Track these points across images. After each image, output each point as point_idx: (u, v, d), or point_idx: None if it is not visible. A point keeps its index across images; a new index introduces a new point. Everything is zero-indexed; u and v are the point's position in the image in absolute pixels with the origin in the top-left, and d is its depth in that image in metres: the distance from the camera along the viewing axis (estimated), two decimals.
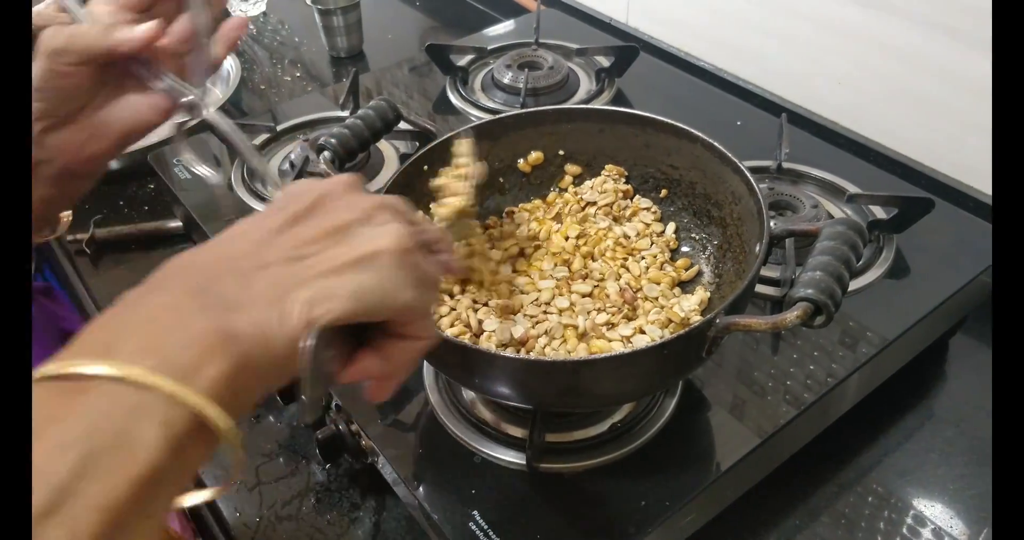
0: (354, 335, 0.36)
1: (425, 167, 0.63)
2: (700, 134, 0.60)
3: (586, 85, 0.97)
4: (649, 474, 0.55)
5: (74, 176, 0.51)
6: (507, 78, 0.95)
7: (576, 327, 0.56)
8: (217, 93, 1.06)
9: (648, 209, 0.67)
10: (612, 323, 0.56)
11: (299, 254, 0.34)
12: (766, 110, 0.91)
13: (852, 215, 0.76)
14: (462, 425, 0.59)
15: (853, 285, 0.69)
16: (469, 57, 1.02)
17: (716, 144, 0.59)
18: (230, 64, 1.11)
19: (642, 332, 0.55)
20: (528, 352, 0.55)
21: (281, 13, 1.36)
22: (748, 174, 0.56)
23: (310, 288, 0.32)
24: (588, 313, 0.57)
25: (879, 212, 0.75)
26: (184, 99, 0.50)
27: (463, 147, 0.60)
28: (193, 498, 0.34)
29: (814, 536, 0.60)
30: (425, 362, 0.63)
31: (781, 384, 0.61)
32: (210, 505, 0.66)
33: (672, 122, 0.62)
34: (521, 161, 0.69)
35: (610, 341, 0.55)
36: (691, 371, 0.60)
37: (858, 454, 0.66)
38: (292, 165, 0.84)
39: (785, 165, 0.80)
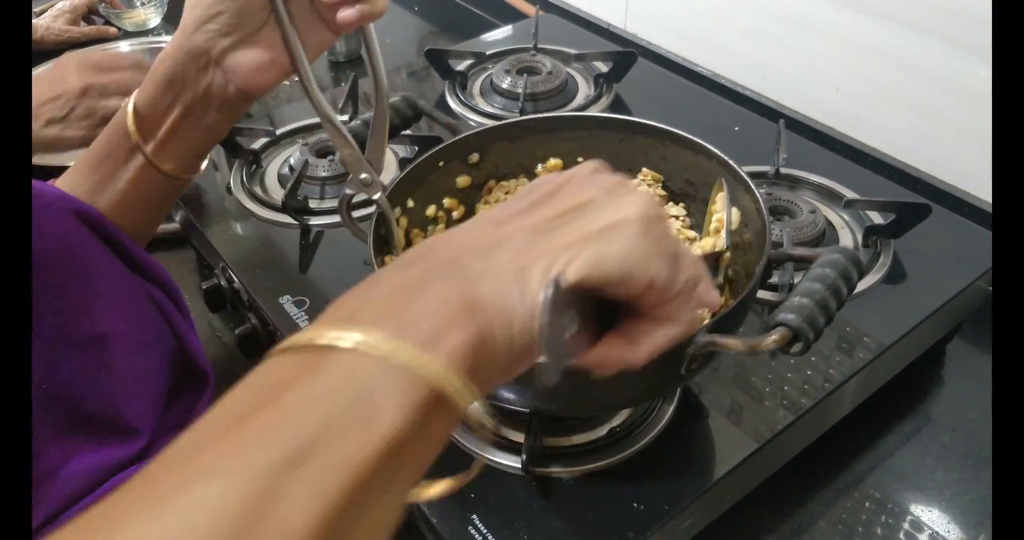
0: (603, 319, 0.35)
1: (440, 163, 0.63)
2: (717, 151, 0.59)
3: (584, 90, 0.98)
4: (647, 479, 0.55)
5: (243, 100, 0.54)
6: (506, 83, 0.95)
7: None
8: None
9: (679, 217, 0.66)
10: None
11: (541, 230, 0.33)
12: (764, 116, 0.91)
13: (848, 219, 0.76)
14: (461, 429, 0.59)
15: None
16: (468, 62, 1.02)
17: (731, 162, 0.58)
18: None
19: None
20: None
21: None
22: (759, 195, 0.55)
23: (551, 259, 0.32)
24: None
25: (876, 217, 0.75)
26: (363, 176, 0.56)
27: (718, 193, 0.58)
28: (429, 491, 0.34)
29: None
30: None
31: (778, 389, 0.61)
32: None
33: (690, 137, 0.61)
34: (540, 167, 0.68)
35: None
36: (673, 386, 0.59)
37: (855, 459, 0.66)
38: (291, 169, 0.84)
39: (783, 171, 0.80)
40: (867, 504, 0.62)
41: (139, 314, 0.50)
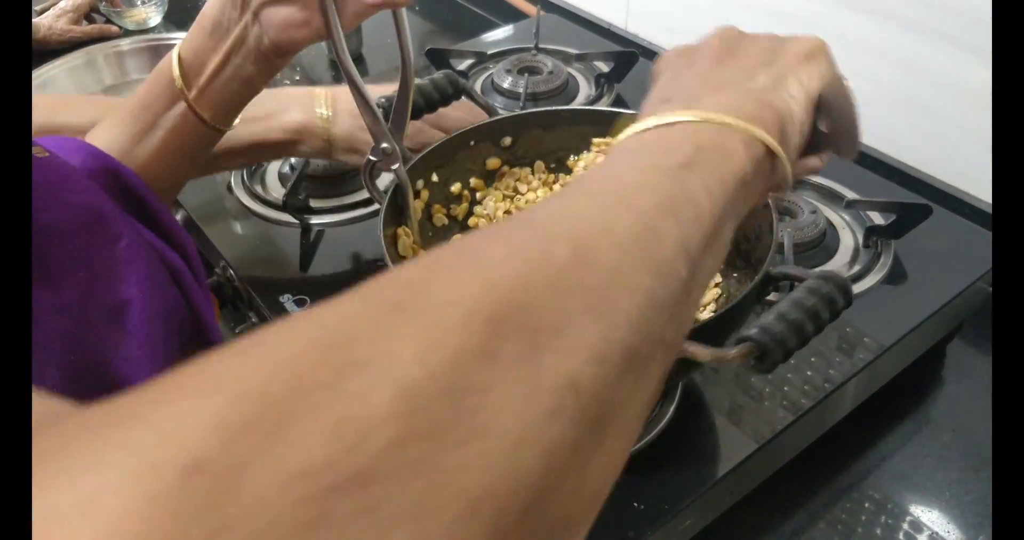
0: None
1: (472, 142, 0.64)
2: None
3: (585, 90, 0.98)
4: (647, 478, 0.55)
5: (278, 55, 0.57)
6: (507, 83, 0.95)
7: None
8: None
9: None
10: None
11: (761, 62, 0.41)
12: None
13: (849, 220, 0.76)
14: None
15: (854, 290, 0.69)
16: (469, 61, 1.02)
17: None
18: None
19: None
20: None
21: None
22: (774, 211, 0.55)
23: (795, 75, 0.40)
24: None
25: (877, 218, 0.75)
26: (384, 145, 0.58)
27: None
28: None
29: None
30: None
31: (779, 390, 0.61)
32: None
33: None
34: (572, 158, 0.68)
35: None
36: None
37: (855, 459, 0.66)
38: (292, 168, 0.83)
39: None
40: (867, 504, 0.63)
41: (155, 282, 0.51)
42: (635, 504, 0.53)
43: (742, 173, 0.33)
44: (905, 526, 0.61)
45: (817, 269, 0.45)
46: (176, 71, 0.57)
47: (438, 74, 0.69)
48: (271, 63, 0.58)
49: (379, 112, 0.58)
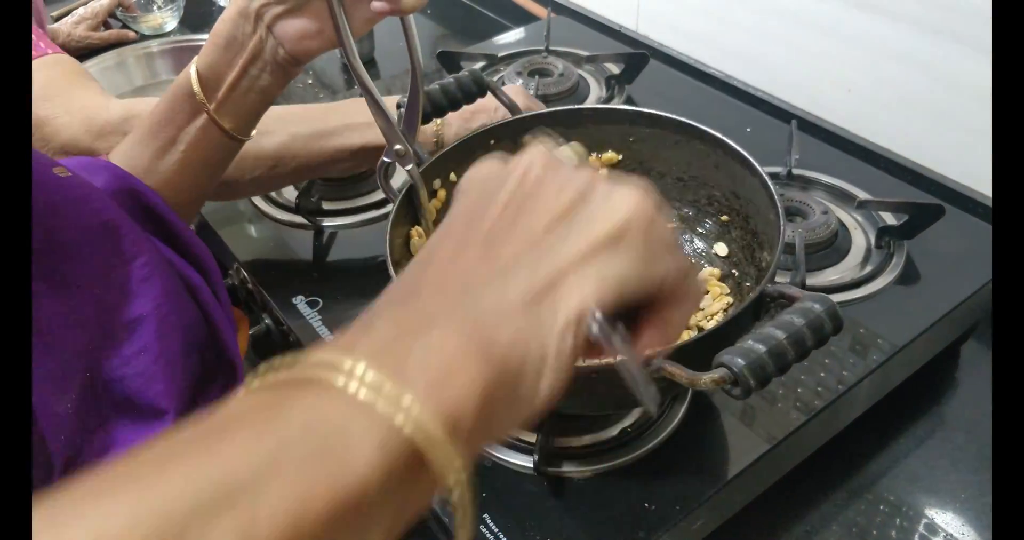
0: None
1: (492, 141, 0.64)
2: (760, 169, 0.57)
3: (596, 92, 0.98)
4: (659, 479, 0.55)
5: (293, 64, 0.59)
6: (518, 85, 0.95)
7: None
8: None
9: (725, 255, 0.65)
10: None
11: (539, 248, 0.30)
12: (776, 117, 0.91)
13: (861, 220, 0.76)
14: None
15: (862, 291, 0.69)
16: (480, 64, 1.03)
17: (770, 183, 0.56)
18: None
19: None
20: None
21: None
22: (783, 224, 0.53)
23: (564, 286, 0.29)
24: None
25: (889, 218, 0.75)
26: (397, 146, 0.59)
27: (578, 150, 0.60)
28: None
29: None
30: None
31: (791, 390, 0.61)
32: None
33: (739, 149, 0.59)
34: (594, 156, 0.68)
35: None
36: (635, 405, 0.58)
37: (869, 461, 0.66)
38: None
39: (795, 171, 0.80)
40: (881, 506, 0.62)
41: (172, 298, 0.51)
42: (646, 505, 0.53)
43: (356, 486, 0.23)
44: (920, 528, 0.61)
45: (812, 292, 0.43)
46: (196, 85, 0.59)
47: (463, 73, 0.70)
48: (287, 72, 0.60)
49: (392, 114, 0.59)
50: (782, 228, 0.52)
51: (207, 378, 0.54)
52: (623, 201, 0.32)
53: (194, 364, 0.53)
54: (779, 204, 0.54)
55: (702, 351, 0.41)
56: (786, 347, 0.39)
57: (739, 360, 0.39)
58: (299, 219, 0.80)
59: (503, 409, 0.27)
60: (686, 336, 0.55)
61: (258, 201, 0.83)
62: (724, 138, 0.60)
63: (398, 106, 0.62)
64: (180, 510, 0.21)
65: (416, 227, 0.61)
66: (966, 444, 0.66)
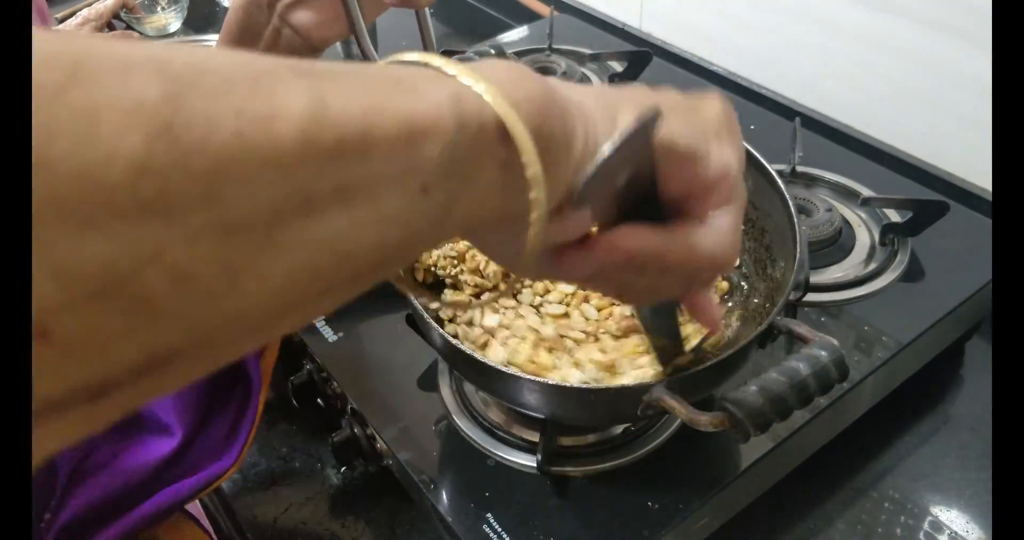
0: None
1: None
2: (779, 181, 0.55)
3: None
4: (662, 478, 0.55)
5: (310, 51, 0.57)
6: None
7: (538, 332, 0.53)
8: None
9: None
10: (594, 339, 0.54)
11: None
12: (779, 114, 0.91)
13: (865, 217, 0.76)
14: (476, 429, 0.59)
15: (867, 289, 0.69)
16: None
17: (788, 198, 0.55)
18: None
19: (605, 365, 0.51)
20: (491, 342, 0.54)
21: None
22: (800, 244, 0.52)
23: (630, 104, 0.29)
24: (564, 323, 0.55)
25: (894, 215, 0.74)
26: None
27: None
28: None
29: None
30: (440, 363, 0.63)
31: None
32: (225, 507, 0.67)
33: (761, 158, 0.57)
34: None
35: (555, 362, 0.52)
36: (626, 421, 0.58)
37: (873, 459, 0.66)
38: None
39: (799, 169, 0.79)
40: (886, 504, 0.62)
41: None
42: (650, 504, 0.53)
43: (424, 121, 0.22)
44: (925, 526, 0.60)
45: (821, 337, 0.43)
46: None
47: (484, 44, 0.69)
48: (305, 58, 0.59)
49: None
50: (799, 256, 0.51)
51: (221, 395, 0.54)
52: (714, 102, 0.33)
53: (203, 380, 0.53)
54: (796, 224, 0.52)
55: (703, 381, 0.41)
56: (788, 394, 0.39)
57: (740, 406, 0.39)
58: None
59: (564, 140, 0.26)
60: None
61: None
62: (745, 145, 0.59)
63: None
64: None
65: None
66: (971, 441, 0.66)
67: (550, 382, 0.46)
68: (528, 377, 0.47)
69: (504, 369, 0.47)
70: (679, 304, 0.40)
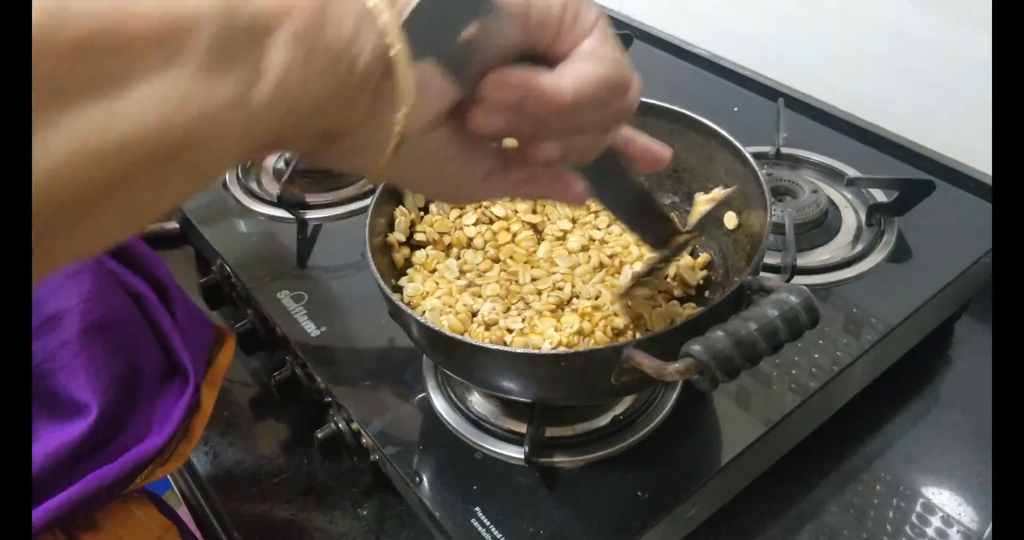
0: None
1: None
2: (753, 162, 0.55)
3: None
4: (652, 466, 0.55)
5: None
6: None
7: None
8: None
9: None
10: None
11: None
12: (763, 96, 0.90)
13: (851, 198, 0.75)
14: (462, 421, 0.58)
15: (854, 270, 0.68)
16: None
17: (762, 177, 0.54)
18: None
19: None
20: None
21: None
22: (769, 219, 0.52)
23: None
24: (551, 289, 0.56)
25: (880, 195, 0.74)
26: None
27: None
28: None
29: (822, 526, 0.59)
30: (423, 358, 0.62)
31: (786, 373, 0.60)
32: (210, 503, 0.66)
33: (733, 141, 0.57)
34: None
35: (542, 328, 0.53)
36: (608, 395, 0.56)
37: (864, 442, 0.65)
38: (286, 163, 0.83)
39: (784, 150, 0.79)
40: (878, 487, 0.62)
41: (99, 295, 0.51)
42: (639, 493, 0.53)
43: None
44: (917, 508, 0.60)
45: (790, 284, 0.42)
46: None
47: None
48: None
49: None
50: (768, 222, 0.51)
51: (150, 387, 0.54)
52: None
53: (125, 363, 0.52)
54: (768, 198, 0.53)
55: (676, 342, 0.40)
56: (756, 338, 0.38)
57: (706, 351, 0.38)
58: (282, 213, 0.79)
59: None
60: (661, 323, 0.54)
61: (241, 195, 0.82)
62: (718, 129, 0.59)
63: None
64: None
65: (400, 206, 0.60)
66: (961, 421, 0.66)
67: (518, 351, 0.46)
68: (497, 347, 0.46)
69: (471, 341, 0.46)
70: (642, 185, 0.43)
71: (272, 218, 0.79)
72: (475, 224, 0.62)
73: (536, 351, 0.46)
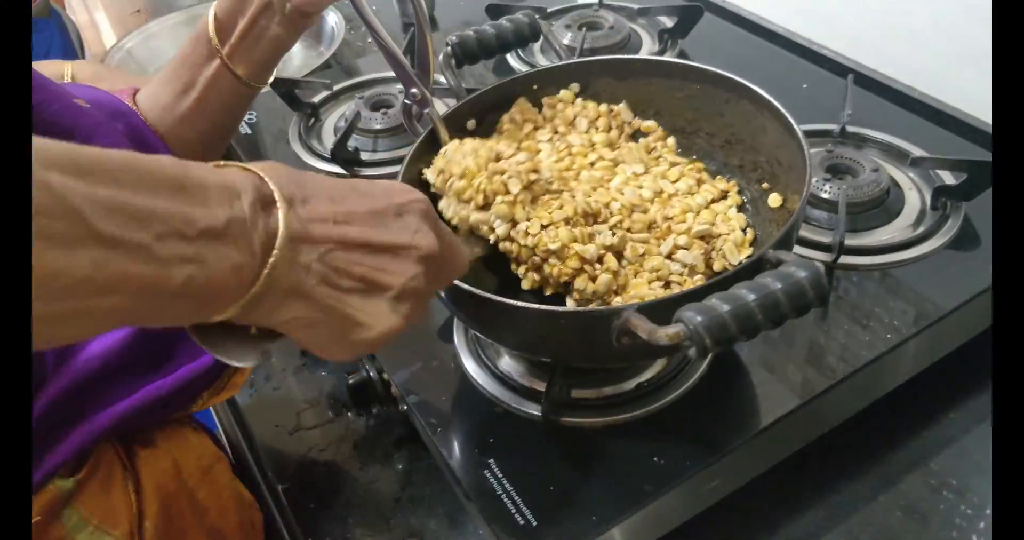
0: None
1: (535, 86, 0.66)
2: (799, 131, 0.54)
3: (648, 46, 0.95)
4: (671, 435, 0.54)
5: (301, 16, 0.61)
6: (566, 39, 0.93)
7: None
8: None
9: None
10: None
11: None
12: (834, 72, 0.86)
13: (916, 179, 0.71)
14: (487, 377, 0.58)
15: (912, 253, 0.65)
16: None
17: (806, 147, 0.53)
18: (335, 22, 1.12)
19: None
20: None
21: None
22: (807, 191, 0.51)
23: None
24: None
25: (948, 177, 0.70)
26: (413, 90, 0.61)
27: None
28: None
29: (864, 524, 0.56)
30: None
31: (828, 349, 0.58)
32: (249, 442, 0.68)
33: (782, 110, 0.57)
34: (646, 122, 0.67)
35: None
36: (613, 360, 0.55)
37: (915, 434, 0.60)
38: (346, 120, 0.84)
39: (850, 129, 0.76)
40: (931, 480, 0.57)
41: None
42: (655, 459, 0.52)
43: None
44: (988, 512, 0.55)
45: (803, 258, 0.40)
46: (212, 30, 0.61)
47: (520, 13, 0.69)
48: (296, 24, 0.62)
49: (405, 60, 0.59)
50: (804, 196, 0.50)
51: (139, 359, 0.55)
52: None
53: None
54: (808, 172, 0.51)
55: (677, 309, 0.40)
56: (753, 310, 0.37)
57: (697, 317, 0.37)
58: (338, 169, 0.81)
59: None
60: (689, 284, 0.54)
61: (300, 151, 0.84)
62: (771, 99, 0.57)
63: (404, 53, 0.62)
64: None
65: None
66: None
67: (520, 305, 0.47)
68: (500, 299, 0.47)
69: (478, 292, 0.47)
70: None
71: (328, 174, 0.81)
72: (548, 140, 0.65)
73: (539, 307, 0.46)
